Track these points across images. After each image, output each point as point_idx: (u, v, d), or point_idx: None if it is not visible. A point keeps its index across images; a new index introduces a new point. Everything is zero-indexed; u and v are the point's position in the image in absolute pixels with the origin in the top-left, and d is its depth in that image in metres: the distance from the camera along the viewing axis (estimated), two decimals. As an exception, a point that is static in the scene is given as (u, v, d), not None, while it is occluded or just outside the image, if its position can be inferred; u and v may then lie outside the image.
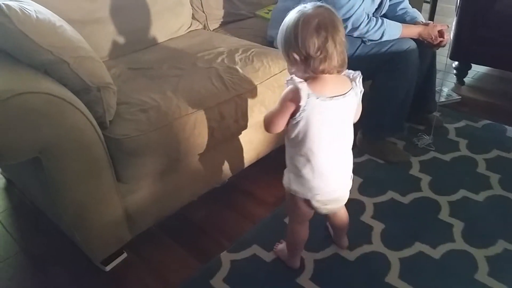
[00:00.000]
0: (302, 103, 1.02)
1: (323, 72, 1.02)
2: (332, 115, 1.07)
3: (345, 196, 1.22)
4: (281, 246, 1.41)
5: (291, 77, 1.05)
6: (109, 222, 1.32)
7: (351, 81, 1.09)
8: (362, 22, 1.59)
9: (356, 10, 1.57)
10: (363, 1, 1.59)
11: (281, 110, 1.07)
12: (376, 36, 1.63)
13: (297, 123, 1.06)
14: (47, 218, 1.59)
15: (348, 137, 1.14)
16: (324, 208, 1.19)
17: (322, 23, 0.99)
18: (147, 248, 1.50)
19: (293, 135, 1.09)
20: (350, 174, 1.20)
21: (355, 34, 1.63)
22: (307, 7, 1.02)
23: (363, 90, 1.11)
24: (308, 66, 1.02)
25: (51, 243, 1.56)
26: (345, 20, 1.58)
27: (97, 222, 1.30)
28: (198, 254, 1.47)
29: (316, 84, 1.04)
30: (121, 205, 1.34)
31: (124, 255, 1.46)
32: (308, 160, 1.11)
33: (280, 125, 1.10)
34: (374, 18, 1.62)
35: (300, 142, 1.09)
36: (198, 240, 1.53)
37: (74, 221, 1.29)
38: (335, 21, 1.01)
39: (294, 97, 1.03)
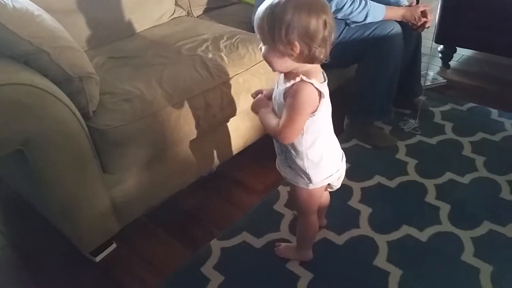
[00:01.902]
0: (324, 96, 0.99)
1: (320, 61, 0.97)
2: (329, 96, 1.05)
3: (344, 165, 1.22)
4: (284, 245, 1.39)
5: (300, 77, 0.96)
6: (97, 213, 1.31)
7: None
8: (345, 3, 1.58)
9: None
10: None
11: (303, 114, 0.99)
12: (360, 18, 1.62)
13: (315, 117, 1.01)
14: (34, 210, 1.57)
15: None
16: (339, 181, 1.21)
17: (314, 4, 0.91)
18: (137, 238, 1.49)
19: (309, 132, 1.04)
20: None
21: (339, 15, 1.62)
22: None
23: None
24: (311, 56, 0.94)
25: (39, 235, 1.55)
26: (329, 1, 1.57)
27: (84, 214, 1.29)
28: (188, 243, 1.47)
29: (312, 71, 0.99)
30: (108, 196, 1.33)
31: (114, 245, 1.45)
32: (327, 146, 1.10)
33: (300, 130, 1.03)
34: (358, 0, 1.61)
35: (316, 134, 1.06)
36: (188, 228, 1.53)
37: (61, 213, 1.28)
38: (325, 3, 0.94)
39: (315, 96, 0.98)
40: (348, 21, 1.65)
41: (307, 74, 0.97)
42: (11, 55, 1.12)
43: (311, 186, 1.14)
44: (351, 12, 1.61)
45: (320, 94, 0.99)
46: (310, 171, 1.11)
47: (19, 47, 1.10)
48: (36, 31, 1.13)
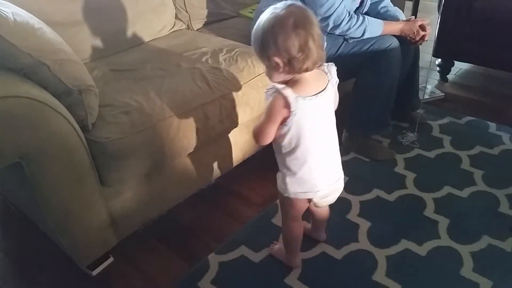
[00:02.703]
0: (292, 108, 1.02)
1: (306, 70, 1.01)
2: (320, 112, 1.08)
3: (342, 184, 1.23)
4: (278, 246, 1.41)
5: (273, 85, 1.03)
6: (94, 226, 1.30)
7: (326, 74, 1.09)
8: (343, 19, 1.60)
9: (337, 7, 1.58)
10: None
11: (270, 121, 1.05)
12: (358, 34, 1.63)
13: (289, 128, 1.05)
14: (32, 223, 1.55)
15: (334, 128, 1.16)
16: (324, 201, 1.21)
17: (298, 21, 0.97)
18: (134, 251, 1.48)
19: (285, 141, 1.08)
20: (340, 161, 1.21)
21: (337, 31, 1.64)
22: (278, 7, 1.00)
23: (338, 80, 1.12)
24: (292, 67, 1.00)
25: (37, 248, 1.54)
26: (326, 18, 1.59)
27: (82, 227, 1.28)
28: (185, 256, 1.46)
29: (299, 85, 1.04)
30: (105, 209, 1.32)
31: (111, 259, 1.44)
32: (305, 161, 1.11)
33: (270, 136, 1.08)
34: (355, 16, 1.62)
35: (294, 146, 1.09)
36: (186, 242, 1.51)
37: (59, 226, 1.27)
38: (309, 16, 0.99)
39: (282, 104, 1.02)
40: (346, 37, 1.66)
41: (295, 84, 1.03)
42: (11, 67, 1.12)
43: (286, 194, 1.17)
44: (349, 29, 1.62)
45: (288, 104, 1.01)
46: (287, 179, 1.15)
47: (19, 60, 1.11)
48: (36, 44, 1.13)
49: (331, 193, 1.20)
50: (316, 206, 1.24)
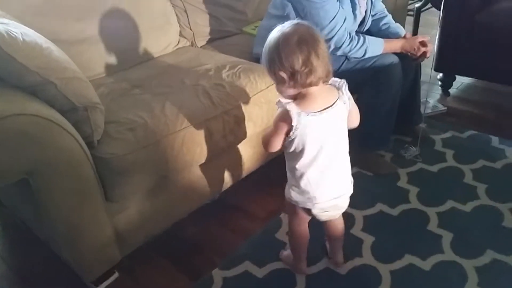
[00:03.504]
0: (294, 123, 1.06)
1: (310, 84, 1.05)
2: (324, 128, 1.10)
3: (345, 202, 1.24)
4: (286, 253, 1.43)
5: (279, 100, 1.09)
6: (99, 241, 1.31)
7: (338, 90, 1.12)
8: (344, 41, 1.63)
9: (338, 30, 1.61)
10: (344, 21, 1.63)
11: (275, 132, 1.11)
12: (359, 54, 1.66)
13: (292, 140, 1.10)
14: (37, 238, 1.57)
15: (342, 145, 1.17)
16: (324, 215, 1.22)
17: (302, 38, 1.02)
18: (139, 266, 1.49)
19: (290, 150, 1.13)
20: (349, 179, 1.23)
21: (338, 53, 1.67)
22: (285, 25, 1.06)
23: (351, 96, 1.14)
24: (296, 81, 1.05)
25: (42, 262, 1.55)
26: (328, 41, 1.61)
27: (87, 242, 1.29)
28: (189, 272, 1.46)
29: (305, 101, 1.08)
30: (110, 224, 1.33)
31: (116, 275, 1.44)
32: (305, 173, 1.14)
33: (276, 145, 1.14)
34: (356, 37, 1.65)
35: (296, 156, 1.13)
36: (190, 257, 1.52)
37: (64, 241, 1.28)
38: (314, 34, 1.04)
39: (285, 118, 1.07)
40: (348, 56, 1.69)
41: (302, 99, 1.08)
42: (19, 85, 1.15)
43: (288, 198, 1.21)
44: (350, 50, 1.65)
45: (290, 119, 1.05)
46: (290, 181, 1.20)
47: (27, 78, 1.13)
48: (44, 62, 1.16)
49: (330, 209, 1.21)
50: (317, 219, 1.24)
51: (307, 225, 1.32)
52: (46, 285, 1.46)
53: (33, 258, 1.58)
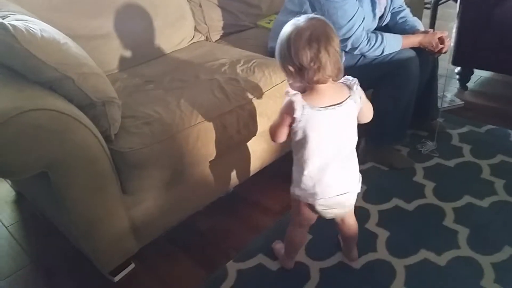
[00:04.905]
0: (297, 115, 1.06)
1: (317, 82, 1.05)
2: (329, 124, 1.09)
3: (350, 200, 1.21)
4: (279, 245, 1.44)
5: (287, 90, 1.09)
6: (116, 233, 1.34)
7: (349, 89, 1.10)
8: (361, 42, 1.61)
9: (356, 30, 1.59)
10: (363, 21, 1.60)
11: (280, 122, 1.12)
12: (377, 53, 1.64)
13: (295, 133, 1.10)
14: (56, 229, 1.61)
15: (349, 143, 1.15)
16: (328, 212, 1.20)
17: (314, 34, 1.01)
18: (154, 258, 1.51)
19: (294, 142, 1.14)
20: (356, 178, 1.20)
21: (355, 52, 1.65)
22: (300, 19, 1.05)
23: (362, 95, 1.13)
24: (303, 76, 1.05)
25: (61, 254, 1.59)
26: (345, 40, 1.60)
27: (104, 234, 1.32)
28: (204, 264, 1.48)
29: (312, 95, 1.07)
30: (127, 217, 1.35)
31: (132, 265, 1.47)
32: (306, 168, 1.13)
33: (281, 135, 1.15)
34: (374, 36, 1.62)
35: (300, 148, 1.13)
36: (205, 249, 1.54)
37: (82, 233, 1.31)
38: (327, 31, 1.03)
39: (289, 109, 1.07)
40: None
41: (310, 92, 1.08)
42: (38, 80, 1.17)
43: (291, 191, 1.21)
44: (368, 50, 1.63)
45: (293, 110, 1.06)
46: (294, 175, 1.19)
47: (45, 74, 1.15)
48: (62, 58, 1.18)
49: (335, 206, 1.19)
50: (323, 216, 1.23)
51: (307, 229, 1.33)
52: (65, 275, 1.50)
53: (52, 249, 1.62)
